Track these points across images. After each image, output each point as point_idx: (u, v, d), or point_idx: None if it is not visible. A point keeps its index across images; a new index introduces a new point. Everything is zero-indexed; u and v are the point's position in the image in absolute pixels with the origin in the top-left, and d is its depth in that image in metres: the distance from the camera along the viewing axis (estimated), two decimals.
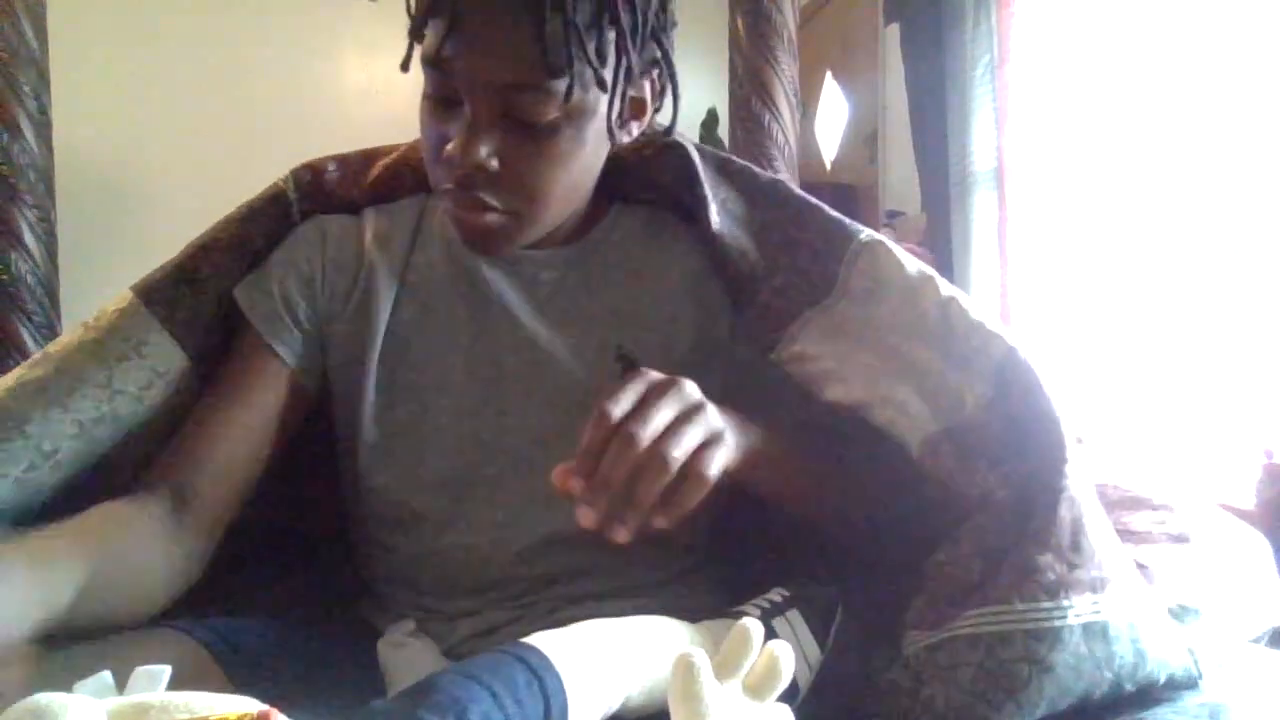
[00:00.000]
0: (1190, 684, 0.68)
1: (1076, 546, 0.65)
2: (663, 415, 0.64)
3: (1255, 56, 1.67)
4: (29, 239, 2.09)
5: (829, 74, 3.42)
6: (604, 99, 0.75)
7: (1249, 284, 1.73)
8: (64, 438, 0.80)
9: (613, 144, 0.82)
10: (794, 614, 0.71)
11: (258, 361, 0.86)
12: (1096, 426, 2.11)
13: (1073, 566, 0.64)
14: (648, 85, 0.81)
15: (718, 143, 3.22)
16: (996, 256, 2.45)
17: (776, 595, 0.73)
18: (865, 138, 3.24)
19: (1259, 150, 1.68)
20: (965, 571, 0.68)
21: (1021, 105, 2.32)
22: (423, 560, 0.88)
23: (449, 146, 0.74)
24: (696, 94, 3.46)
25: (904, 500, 0.79)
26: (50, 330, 2.12)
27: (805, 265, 0.82)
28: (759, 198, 0.88)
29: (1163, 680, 0.66)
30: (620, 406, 0.64)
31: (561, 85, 0.71)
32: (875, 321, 0.79)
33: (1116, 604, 0.65)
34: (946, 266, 2.60)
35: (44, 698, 0.42)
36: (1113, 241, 2.06)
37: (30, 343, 2.08)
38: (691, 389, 0.68)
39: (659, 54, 0.78)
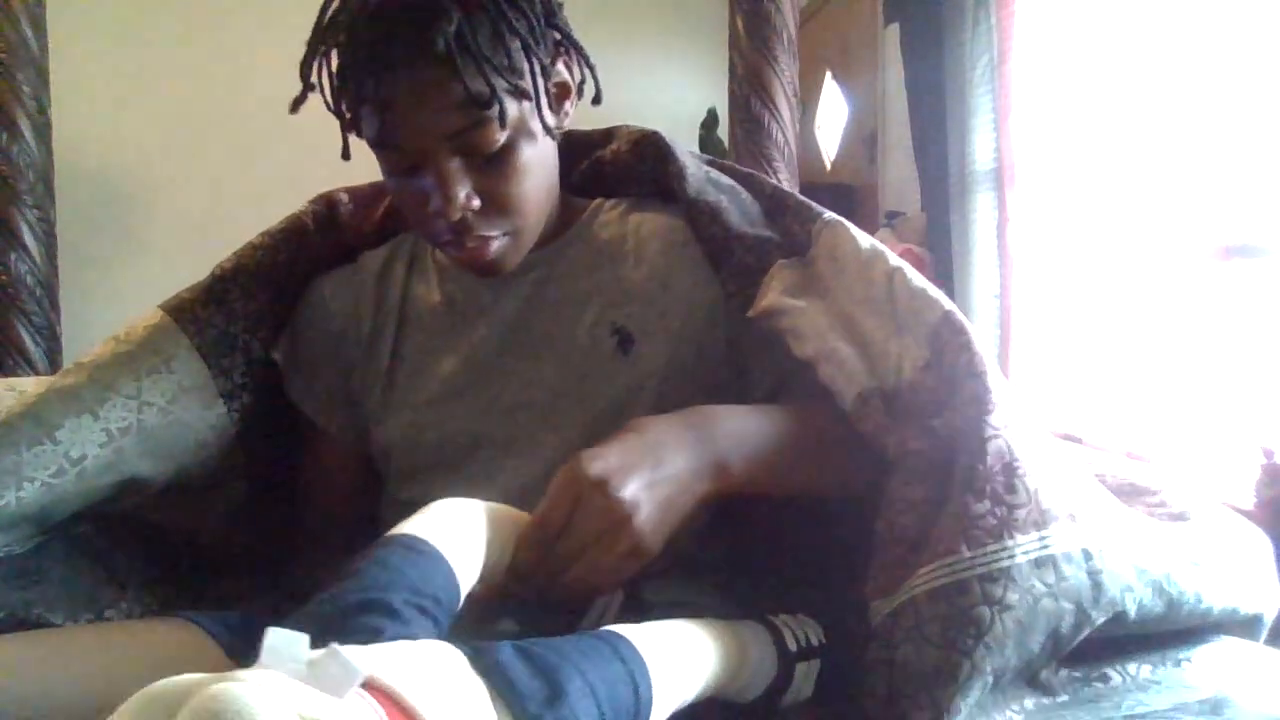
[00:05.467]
0: (1170, 615, 0.69)
1: (1011, 488, 0.67)
2: (584, 541, 0.68)
3: (1255, 55, 1.67)
4: (28, 239, 2.09)
5: (829, 74, 3.43)
6: (532, 103, 0.81)
7: (1249, 283, 1.74)
8: (92, 445, 0.83)
9: (558, 129, 0.87)
10: (815, 664, 0.72)
11: (321, 441, 0.98)
12: (1096, 426, 2.11)
13: (1012, 508, 0.66)
14: (563, 66, 0.86)
15: (717, 143, 3.22)
16: (996, 256, 2.45)
17: (814, 636, 0.73)
18: (865, 138, 3.24)
19: (1259, 149, 1.68)
20: (901, 530, 0.69)
21: (1021, 105, 2.33)
22: None
23: (431, 206, 0.80)
24: (696, 94, 3.47)
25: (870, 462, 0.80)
26: (49, 330, 2.12)
27: (780, 234, 0.89)
28: (741, 182, 0.96)
29: (1133, 614, 0.67)
30: (546, 530, 0.68)
31: (495, 112, 0.76)
32: (834, 290, 0.83)
33: (1065, 535, 0.66)
34: (946, 266, 2.60)
35: (245, 697, 0.38)
36: (1113, 240, 2.06)
37: (29, 343, 2.08)
38: (620, 499, 0.68)
39: (558, 35, 0.84)
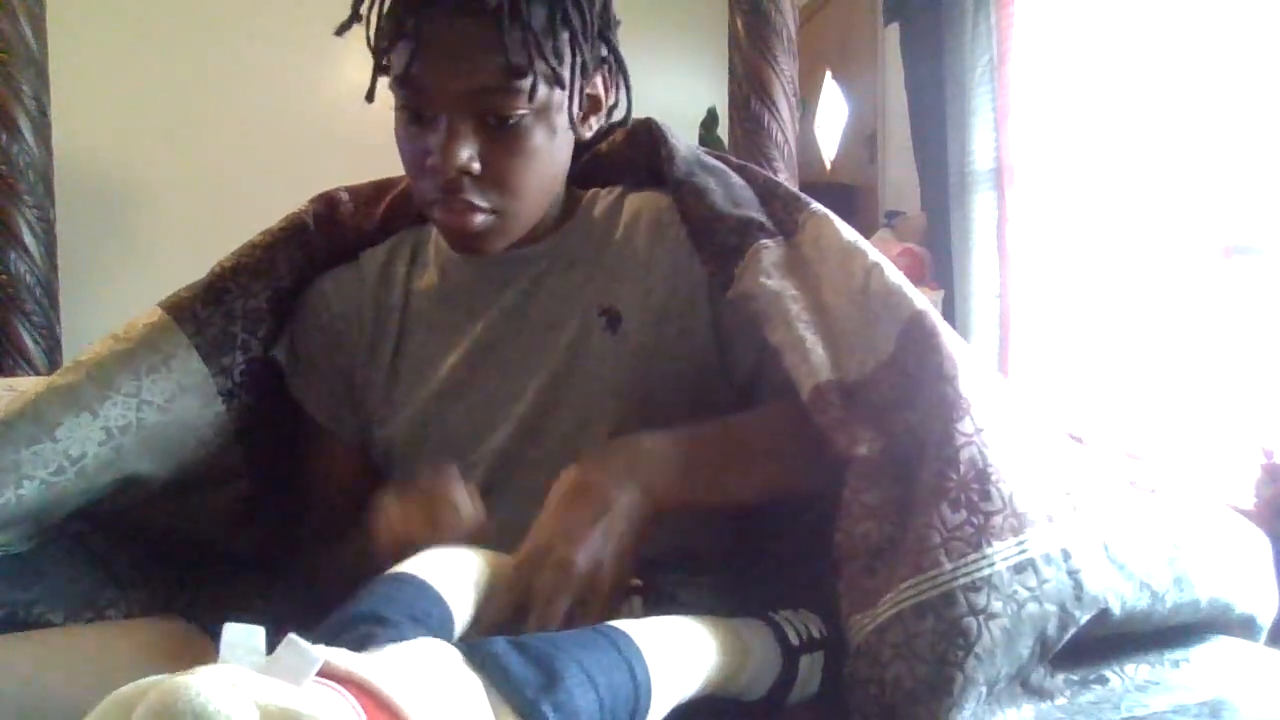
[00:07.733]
0: (1155, 608, 0.69)
1: (986, 495, 0.67)
2: (563, 607, 0.70)
3: (1254, 54, 1.67)
4: (28, 239, 2.09)
5: (829, 74, 3.43)
6: (564, 94, 0.82)
7: (1249, 282, 1.74)
8: (91, 443, 0.83)
9: (576, 137, 0.88)
10: (819, 655, 0.72)
11: (323, 440, 0.97)
12: (1096, 426, 2.11)
13: (988, 515, 0.67)
14: (600, 81, 0.88)
15: (717, 142, 3.22)
16: (996, 256, 2.45)
17: (815, 629, 0.73)
18: (865, 138, 3.24)
19: (1259, 148, 1.68)
20: (861, 538, 0.69)
21: (1021, 105, 2.33)
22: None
23: (430, 159, 0.81)
24: (696, 94, 3.46)
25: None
26: (49, 330, 2.12)
27: (767, 216, 0.89)
28: (734, 169, 0.96)
29: (1118, 611, 0.67)
30: (518, 597, 0.69)
31: (526, 84, 0.78)
32: (813, 276, 0.83)
33: (1043, 537, 0.67)
34: (946, 266, 2.60)
35: (198, 688, 0.38)
36: (1112, 240, 2.06)
37: (29, 343, 2.08)
38: (584, 574, 0.71)
39: (606, 51, 0.86)
